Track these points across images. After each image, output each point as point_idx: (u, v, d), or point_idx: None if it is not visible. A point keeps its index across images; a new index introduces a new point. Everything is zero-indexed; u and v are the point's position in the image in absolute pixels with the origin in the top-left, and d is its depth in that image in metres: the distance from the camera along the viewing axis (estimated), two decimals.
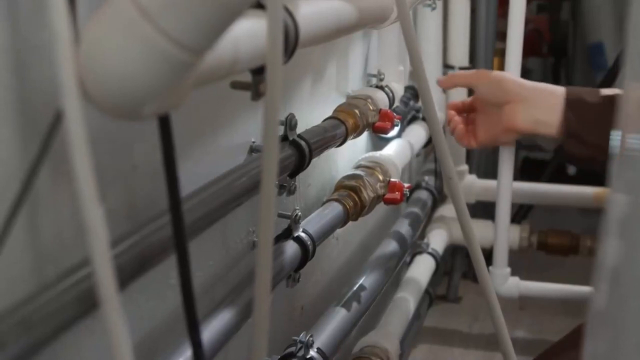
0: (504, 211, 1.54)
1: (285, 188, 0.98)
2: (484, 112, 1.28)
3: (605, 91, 1.24)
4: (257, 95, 0.62)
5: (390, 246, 1.31)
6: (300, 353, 0.91)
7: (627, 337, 0.37)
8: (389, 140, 1.39)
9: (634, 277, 0.37)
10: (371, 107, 1.20)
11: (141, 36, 0.44)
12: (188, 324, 0.57)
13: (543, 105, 1.25)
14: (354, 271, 1.22)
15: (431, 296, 1.67)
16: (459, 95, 1.83)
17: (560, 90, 1.26)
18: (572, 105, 1.24)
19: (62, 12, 0.43)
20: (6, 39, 0.52)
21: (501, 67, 1.60)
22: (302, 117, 0.99)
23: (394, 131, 1.29)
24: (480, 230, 1.70)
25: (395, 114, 1.26)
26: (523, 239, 1.78)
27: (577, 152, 1.25)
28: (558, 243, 1.79)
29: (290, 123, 0.94)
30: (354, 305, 1.07)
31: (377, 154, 1.26)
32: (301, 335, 0.92)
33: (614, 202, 0.38)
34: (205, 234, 0.74)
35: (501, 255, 1.58)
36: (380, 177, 1.18)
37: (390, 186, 1.19)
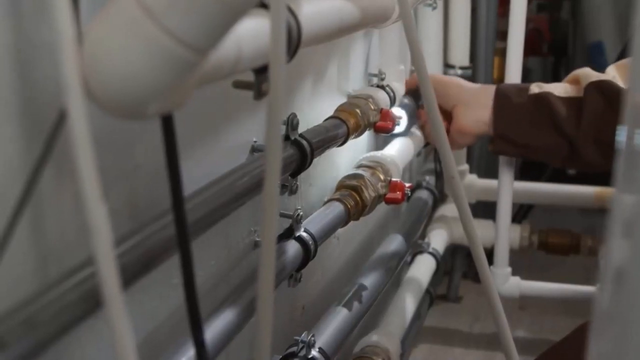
0: (504, 211, 1.54)
1: (287, 188, 0.98)
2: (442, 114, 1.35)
3: (534, 89, 1.29)
4: (259, 94, 0.62)
5: (391, 246, 1.31)
6: (302, 353, 0.91)
7: (632, 337, 0.37)
8: (390, 138, 1.39)
9: (639, 277, 0.37)
10: (372, 107, 1.20)
11: (145, 35, 0.44)
12: (191, 323, 0.57)
13: (481, 106, 1.31)
14: (355, 271, 1.22)
15: (432, 296, 1.67)
16: None
17: (493, 90, 1.31)
18: (498, 105, 1.29)
19: (65, 11, 0.43)
20: (9, 38, 0.52)
21: (502, 67, 1.60)
22: (303, 117, 0.99)
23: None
24: (481, 230, 1.70)
25: (395, 114, 1.26)
26: (524, 238, 1.78)
27: (506, 151, 1.33)
28: (559, 242, 1.79)
29: (292, 123, 0.94)
30: (355, 305, 1.07)
31: (379, 153, 1.26)
32: (302, 335, 0.92)
33: (619, 201, 0.38)
34: (208, 234, 0.74)
35: (502, 255, 1.59)
36: (382, 177, 1.18)
37: (391, 186, 1.19)
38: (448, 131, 1.38)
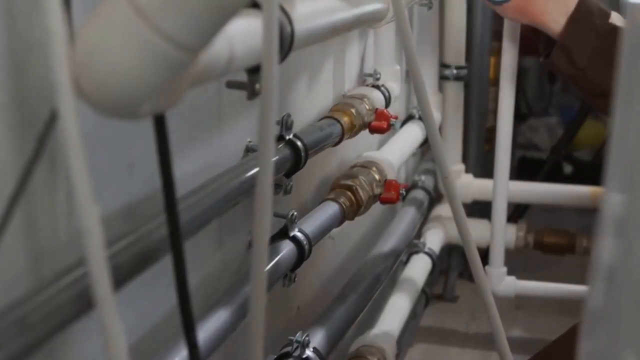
0: (500, 210, 1.54)
1: (282, 187, 0.98)
2: None
3: (616, 19, 1.17)
4: (252, 94, 0.62)
5: (387, 245, 1.31)
6: (297, 353, 0.91)
7: (622, 335, 0.37)
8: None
9: (629, 276, 0.37)
10: (367, 107, 1.20)
11: (137, 35, 0.44)
12: (184, 324, 0.57)
13: (561, 5, 1.18)
14: (350, 270, 1.22)
15: (428, 295, 1.67)
16: (456, 98, 1.83)
17: None
18: (577, 16, 1.18)
19: (57, 11, 0.43)
20: (2, 38, 0.52)
21: (497, 66, 1.60)
22: (298, 117, 0.99)
23: None
24: (477, 230, 1.70)
25: (391, 114, 1.26)
26: (519, 238, 1.79)
27: (561, 67, 1.19)
28: (554, 242, 1.80)
29: (286, 123, 0.94)
30: (350, 304, 1.07)
31: (374, 153, 1.26)
32: (297, 334, 0.92)
33: (609, 201, 0.38)
34: (201, 234, 0.74)
35: (498, 255, 1.59)
36: (377, 177, 1.18)
37: (386, 185, 1.19)
38: None
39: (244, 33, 0.57)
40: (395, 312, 1.34)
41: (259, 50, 0.52)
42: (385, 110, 1.25)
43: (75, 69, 0.45)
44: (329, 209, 1.06)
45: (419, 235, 1.70)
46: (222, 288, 0.84)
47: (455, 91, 1.82)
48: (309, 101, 1.12)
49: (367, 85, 1.32)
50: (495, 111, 1.62)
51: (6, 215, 0.48)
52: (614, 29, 1.15)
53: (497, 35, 1.76)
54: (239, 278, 0.84)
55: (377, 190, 1.17)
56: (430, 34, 1.72)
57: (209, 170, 0.80)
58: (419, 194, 1.64)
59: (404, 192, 1.22)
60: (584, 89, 1.22)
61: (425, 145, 1.68)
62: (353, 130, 1.13)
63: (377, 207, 1.27)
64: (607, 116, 1.17)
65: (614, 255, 0.38)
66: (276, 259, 0.89)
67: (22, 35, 0.53)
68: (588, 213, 1.76)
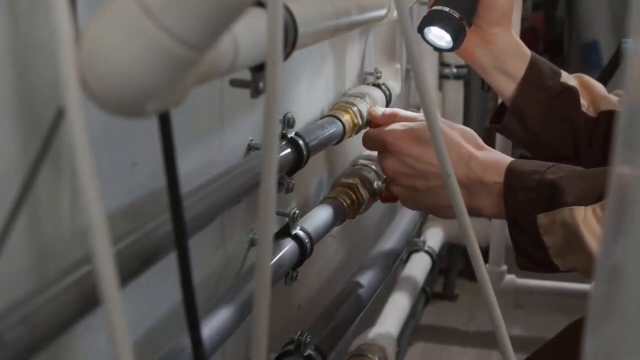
0: None
1: (284, 186, 0.98)
2: None
3: (565, 77, 1.14)
4: (256, 92, 0.62)
5: (388, 244, 1.31)
6: (298, 351, 0.91)
7: (628, 334, 0.37)
8: None
9: (634, 274, 0.37)
10: (369, 106, 1.20)
11: (143, 33, 0.44)
12: (188, 321, 0.57)
13: (512, 64, 1.13)
14: (351, 269, 1.22)
15: (428, 294, 1.68)
16: (456, 97, 1.83)
17: (527, 57, 1.14)
18: (528, 81, 1.13)
19: (63, 9, 0.43)
20: (7, 38, 0.52)
21: None
22: (299, 116, 0.99)
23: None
24: (477, 228, 1.70)
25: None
26: None
27: (514, 130, 1.14)
28: None
29: (288, 121, 0.94)
30: (352, 303, 1.07)
31: (375, 152, 1.26)
32: (299, 333, 0.92)
33: (614, 199, 0.38)
34: (205, 232, 0.74)
35: (498, 253, 1.59)
36: (378, 175, 1.18)
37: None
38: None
39: (248, 32, 0.58)
40: (395, 311, 1.35)
41: (264, 49, 0.52)
42: (386, 109, 1.25)
43: (82, 68, 0.45)
44: (331, 208, 1.06)
45: (419, 233, 1.70)
46: (225, 286, 0.85)
47: (455, 90, 1.82)
48: (310, 100, 1.12)
49: (368, 84, 1.32)
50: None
51: (13, 213, 0.49)
52: (566, 90, 1.12)
53: None
54: (242, 276, 0.84)
55: (379, 189, 1.17)
56: None
57: (211, 168, 0.80)
58: None
59: None
60: (538, 154, 1.15)
61: None
62: (354, 128, 1.13)
63: (378, 206, 1.27)
64: None
65: (619, 253, 0.39)
66: (278, 256, 0.90)
67: (26, 34, 0.53)
68: None
